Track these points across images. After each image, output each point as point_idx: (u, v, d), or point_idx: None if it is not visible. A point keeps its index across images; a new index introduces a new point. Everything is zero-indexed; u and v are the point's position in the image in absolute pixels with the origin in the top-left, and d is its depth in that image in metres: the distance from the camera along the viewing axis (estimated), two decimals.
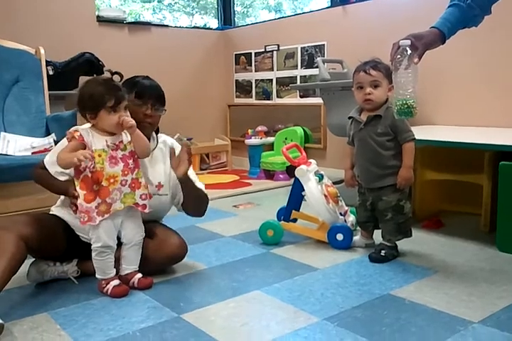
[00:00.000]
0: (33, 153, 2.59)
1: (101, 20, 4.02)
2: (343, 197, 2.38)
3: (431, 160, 2.58)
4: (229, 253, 2.18)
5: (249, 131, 4.27)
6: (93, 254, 1.71)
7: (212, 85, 4.78)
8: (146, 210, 1.75)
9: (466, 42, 2.70)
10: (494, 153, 2.26)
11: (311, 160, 2.37)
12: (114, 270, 1.75)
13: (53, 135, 2.77)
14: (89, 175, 1.65)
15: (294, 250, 2.22)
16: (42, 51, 3.07)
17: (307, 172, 2.25)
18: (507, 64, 2.80)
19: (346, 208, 2.37)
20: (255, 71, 4.53)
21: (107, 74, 1.75)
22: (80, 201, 1.64)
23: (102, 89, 1.66)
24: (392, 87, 1.91)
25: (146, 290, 1.76)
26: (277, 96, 4.35)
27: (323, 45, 3.85)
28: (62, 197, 1.89)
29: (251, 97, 4.62)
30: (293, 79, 4.15)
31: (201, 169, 4.32)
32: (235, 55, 4.71)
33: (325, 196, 2.23)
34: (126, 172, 1.70)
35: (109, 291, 1.71)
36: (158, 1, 5.22)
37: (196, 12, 5.47)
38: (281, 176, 3.85)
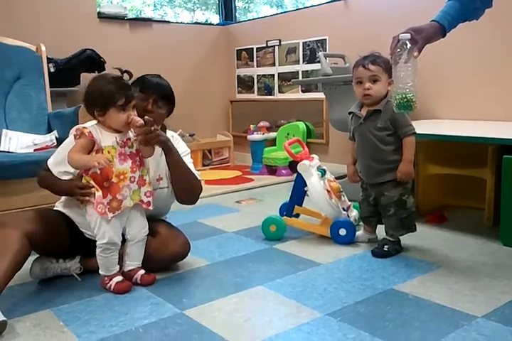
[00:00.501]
0: (35, 150, 2.59)
1: (102, 16, 4.01)
2: (346, 192, 2.37)
3: (434, 154, 2.57)
4: (232, 248, 2.18)
5: (252, 126, 4.27)
6: (98, 251, 1.71)
7: (214, 81, 4.77)
8: (150, 207, 1.76)
9: (467, 35, 2.68)
10: (497, 146, 2.25)
11: (314, 156, 2.36)
12: (118, 266, 1.74)
13: (55, 132, 2.77)
14: (98, 171, 1.66)
15: (297, 245, 2.21)
16: (43, 48, 3.07)
17: (309, 168, 2.25)
18: (509, 57, 2.78)
19: (349, 203, 2.36)
20: (257, 66, 4.51)
21: (115, 73, 1.74)
22: (98, 193, 1.64)
23: (112, 87, 1.65)
24: (392, 81, 1.90)
25: (149, 286, 1.76)
26: (279, 92, 4.33)
27: (325, 39, 3.83)
28: None
29: (253, 93, 4.60)
30: (295, 74, 4.14)
31: (204, 165, 4.31)
32: (237, 50, 4.69)
33: (327, 191, 2.23)
34: (134, 169, 1.71)
35: (112, 287, 1.71)
36: None
37: (197, 8, 5.45)
38: (283, 171, 3.84)
